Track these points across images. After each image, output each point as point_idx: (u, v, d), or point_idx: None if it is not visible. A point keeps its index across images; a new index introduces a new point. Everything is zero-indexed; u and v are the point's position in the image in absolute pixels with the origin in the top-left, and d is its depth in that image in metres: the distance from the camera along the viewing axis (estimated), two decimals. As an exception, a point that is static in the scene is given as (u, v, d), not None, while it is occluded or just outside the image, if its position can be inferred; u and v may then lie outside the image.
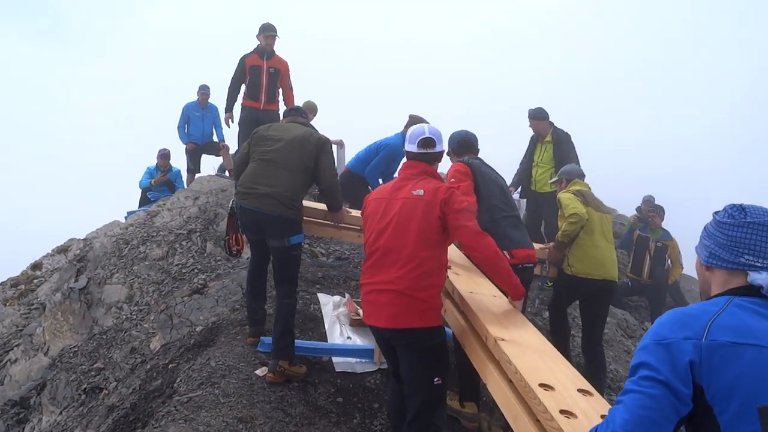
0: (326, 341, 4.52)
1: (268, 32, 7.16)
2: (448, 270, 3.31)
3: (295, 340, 4.18)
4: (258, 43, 7.29)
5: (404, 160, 3.26)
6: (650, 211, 7.93)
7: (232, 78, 7.35)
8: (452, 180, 3.77)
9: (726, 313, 1.39)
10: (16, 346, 5.94)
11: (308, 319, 4.75)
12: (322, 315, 4.85)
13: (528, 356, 2.32)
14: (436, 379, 2.83)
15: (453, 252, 3.84)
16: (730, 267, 1.51)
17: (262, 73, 7.23)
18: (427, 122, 4.86)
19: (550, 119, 6.97)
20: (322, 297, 5.15)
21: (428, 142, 3.04)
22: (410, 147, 3.08)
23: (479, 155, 4.11)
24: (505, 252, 3.48)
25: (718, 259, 1.54)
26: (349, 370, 4.20)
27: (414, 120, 6.01)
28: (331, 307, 4.98)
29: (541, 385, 2.06)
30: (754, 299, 1.43)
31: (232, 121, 7.57)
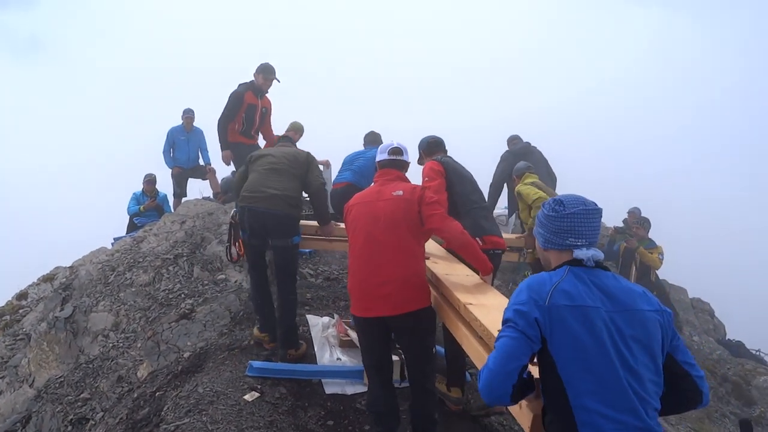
0: (316, 363, 4.49)
1: (269, 75, 7.02)
2: (428, 260, 3.76)
3: (283, 365, 4.27)
4: (252, 79, 7.07)
5: None
6: (635, 224, 8.01)
7: (228, 112, 7.01)
8: (426, 179, 4.10)
9: (565, 281, 1.89)
10: (0, 378, 5.83)
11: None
12: (311, 336, 4.82)
13: (492, 314, 2.63)
14: (434, 348, 3.38)
15: (432, 245, 4.27)
16: (560, 248, 2.04)
17: (257, 112, 7.13)
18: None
19: (516, 138, 8.29)
20: (311, 318, 5.12)
21: (397, 151, 3.62)
22: (382, 156, 3.64)
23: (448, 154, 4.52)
24: (477, 239, 3.87)
25: (551, 243, 2.07)
26: (340, 392, 4.16)
27: (373, 135, 7.04)
28: (320, 328, 4.95)
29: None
30: (582, 268, 1.95)
31: (233, 160, 7.22)
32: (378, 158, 3.67)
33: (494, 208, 8.23)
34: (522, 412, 2.12)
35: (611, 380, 1.75)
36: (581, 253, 1.96)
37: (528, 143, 8.17)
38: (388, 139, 3.77)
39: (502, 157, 8.22)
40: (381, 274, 3.18)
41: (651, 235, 8.28)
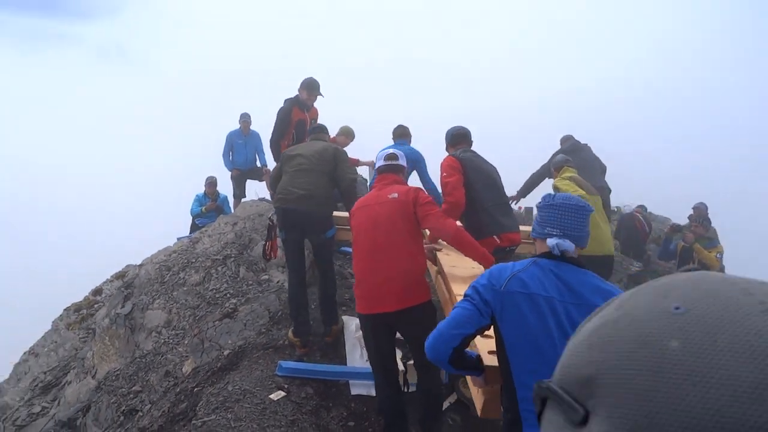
0: (346, 364, 4.60)
1: (314, 92, 6.98)
2: (439, 252, 4.00)
3: (312, 365, 4.41)
4: (297, 94, 7.00)
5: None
6: (695, 221, 7.61)
7: (277, 132, 6.98)
8: (444, 174, 4.25)
9: (526, 271, 2.07)
10: (72, 369, 6.38)
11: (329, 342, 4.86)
12: (344, 337, 4.93)
13: None
14: None
15: None
16: (541, 236, 2.19)
17: (306, 125, 7.02)
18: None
19: (568, 138, 8.27)
20: (346, 319, 5.23)
21: (393, 156, 3.84)
22: (379, 163, 3.88)
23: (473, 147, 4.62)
24: (495, 237, 4.05)
25: (535, 231, 2.23)
26: (365, 393, 4.25)
27: (402, 128, 7.01)
28: (354, 328, 5.05)
29: None
30: (551, 261, 2.10)
31: None
32: (376, 165, 3.94)
33: (520, 199, 8.50)
34: (477, 396, 2.42)
35: (554, 363, 1.86)
36: (551, 242, 2.10)
37: (577, 141, 8.10)
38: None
39: (551, 157, 8.13)
40: (380, 273, 3.39)
41: (721, 234, 7.83)
